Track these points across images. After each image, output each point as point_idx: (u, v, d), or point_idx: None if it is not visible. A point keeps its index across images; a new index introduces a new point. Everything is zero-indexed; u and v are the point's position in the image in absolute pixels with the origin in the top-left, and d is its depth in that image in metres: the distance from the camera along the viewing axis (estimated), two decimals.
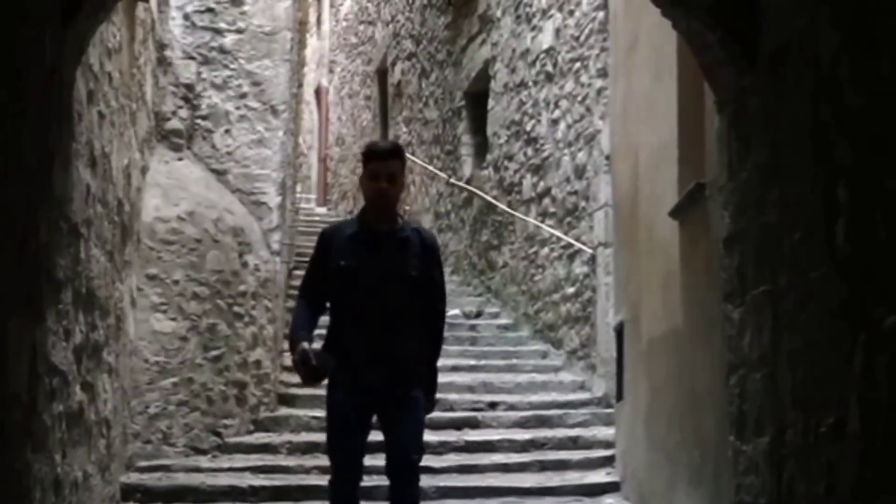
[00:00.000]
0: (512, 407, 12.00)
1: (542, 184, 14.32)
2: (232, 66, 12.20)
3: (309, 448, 10.83)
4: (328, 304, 6.25)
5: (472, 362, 13.56)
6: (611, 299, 11.30)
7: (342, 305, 6.16)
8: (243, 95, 12.20)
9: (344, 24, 27.80)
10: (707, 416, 6.67)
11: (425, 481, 7.61)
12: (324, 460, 10.30)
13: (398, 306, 6.11)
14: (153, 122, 11.16)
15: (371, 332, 6.06)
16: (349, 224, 6.44)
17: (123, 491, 9.25)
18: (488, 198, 15.96)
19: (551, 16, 14.04)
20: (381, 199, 6.16)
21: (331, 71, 29.20)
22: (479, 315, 15.48)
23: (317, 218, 23.21)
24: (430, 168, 18.75)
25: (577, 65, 13.13)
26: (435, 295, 6.32)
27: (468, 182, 17.15)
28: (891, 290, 3.67)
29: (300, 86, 18.22)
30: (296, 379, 12.38)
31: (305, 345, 5.93)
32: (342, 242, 6.16)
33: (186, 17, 12.03)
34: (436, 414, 8.45)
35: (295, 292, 15.68)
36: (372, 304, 6.07)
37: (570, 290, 13.23)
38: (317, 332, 6.25)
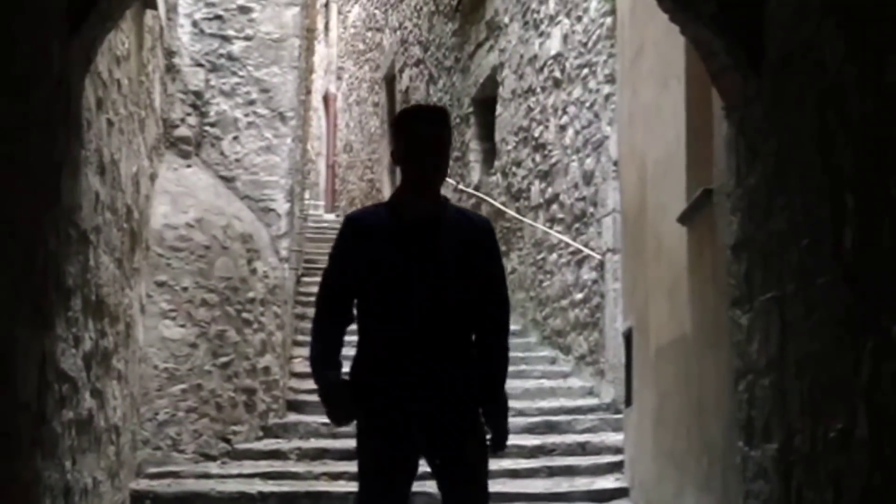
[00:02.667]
0: (520, 413, 11.99)
1: (550, 190, 14.32)
2: (240, 73, 12.22)
3: (318, 454, 10.84)
4: (355, 313, 4.94)
5: None
6: (619, 305, 11.30)
7: (373, 316, 4.82)
8: (252, 102, 12.22)
9: (352, 30, 27.83)
10: (715, 423, 6.67)
11: (432, 486, 7.60)
12: (333, 466, 10.37)
13: (446, 315, 4.76)
14: (162, 130, 11.18)
15: (412, 351, 4.71)
16: (381, 210, 4.99)
17: (133, 498, 9.26)
18: (496, 204, 15.97)
19: (559, 22, 14.05)
20: (427, 178, 4.82)
21: (339, 78, 29.23)
22: None
23: (325, 224, 23.22)
24: None
25: (585, 71, 13.14)
26: (493, 296, 4.89)
27: (476, 188, 17.16)
28: None
29: (308, 92, 18.24)
30: (305, 385, 12.44)
31: (332, 375, 4.82)
32: (374, 233, 4.81)
33: (195, 24, 12.06)
34: None
35: (304, 299, 15.91)
36: (412, 314, 4.72)
37: (579, 295, 13.23)
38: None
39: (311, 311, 15.22)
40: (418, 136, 4.80)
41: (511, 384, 13.03)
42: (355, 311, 4.90)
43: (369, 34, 25.58)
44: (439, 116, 4.95)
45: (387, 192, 22.50)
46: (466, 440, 4.77)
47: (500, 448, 4.91)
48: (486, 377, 4.83)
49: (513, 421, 12.22)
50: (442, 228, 4.82)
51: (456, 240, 4.81)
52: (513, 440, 11.26)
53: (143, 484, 9.72)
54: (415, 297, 4.72)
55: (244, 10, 12.29)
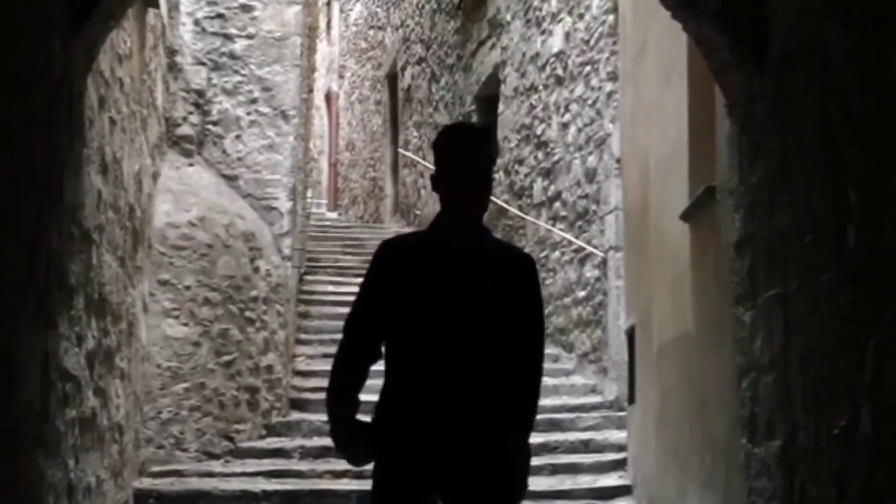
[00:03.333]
0: None
1: (552, 187, 14.32)
2: (242, 71, 12.22)
3: (321, 453, 10.84)
4: (383, 349, 4.45)
5: None
6: (622, 303, 11.30)
7: (403, 355, 4.33)
8: (254, 101, 12.22)
9: (353, 29, 27.83)
10: (718, 420, 6.67)
11: None
12: (336, 464, 10.37)
13: (487, 359, 4.27)
14: (164, 128, 11.18)
15: (444, 397, 4.23)
16: (419, 239, 4.56)
17: (136, 496, 9.27)
18: (499, 201, 15.96)
19: (561, 20, 14.04)
20: (468, 208, 4.38)
21: (341, 76, 29.23)
22: None
23: (328, 223, 23.23)
24: None
25: (588, 68, 13.13)
26: (528, 342, 4.39)
27: None
28: None
29: (310, 91, 18.24)
30: (308, 383, 12.46)
31: (345, 415, 4.35)
32: (414, 261, 4.36)
33: (197, 22, 12.06)
34: None
35: (307, 297, 15.91)
36: (444, 359, 4.24)
37: (582, 293, 13.22)
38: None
39: (314, 310, 15.27)
40: (455, 161, 4.34)
41: None
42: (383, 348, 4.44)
43: (371, 32, 25.58)
44: (479, 139, 4.43)
45: (389, 191, 22.52)
46: (493, 490, 4.26)
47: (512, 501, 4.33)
48: (510, 430, 4.31)
49: None
50: (489, 264, 4.35)
51: (499, 276, 4.32)
52: None
53: (146, 482, 9.72)
54: (450, 338, 4.24)
55: (246, 8, 12.29)
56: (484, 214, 4.42)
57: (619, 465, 10.36)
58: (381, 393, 4.36)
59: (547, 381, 13.12)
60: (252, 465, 10.66)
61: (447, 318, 4.24)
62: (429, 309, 4.26)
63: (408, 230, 18.52)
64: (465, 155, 4.34)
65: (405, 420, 4.27)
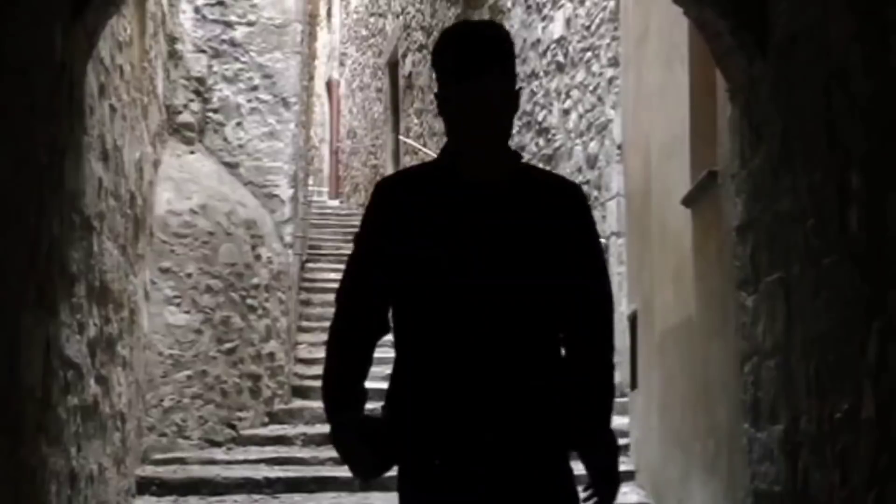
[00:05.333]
0: None
1: None
2: (243, 58, 12.21)
3: (323, 439, 10.81)
4: (391, 326, 3.44)
5: None
6: (624, 289, 11.29)
7: (420, 323, 3.29)
8: (254, 88, 12.21)
9: (354, 16, 27.78)
10: (721, 405, 6.67)
11: None
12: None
13: (525, 317, 3.26)
14: (164, 116, 11.17)
15: (477, 370, 3.21)
16: (427, 171, 3.48)
17: (139, 484, 9.27)
18: None
19: (561, 6, 14.01)
20: (485, 131, 3.27)
21: (342, 64, 29.19)
22: None
23: (329, 210, 23.22)
24: None
25: (589, 54, 13.11)
26: (588, 290, 3.39)
27: None
28: None
29: (311, 78, 18.24)
30: (310, 371, 12.45)
31: (348, 414, 3.38)
32: (421, 202, 3.31)
33: (197, 10, 12.04)
34: None
35: (308, 285, 15.91)
36: (476, 316, 3.21)
37: None
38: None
39: (315, 297, 15.29)
40: (462, 74, 3.23)
41: None
42: (391, 319, 3.43)
43: (372, 20, 25.54)
44: (491, 40, 3.30)
45: None
46: (552, 498, 3.42)
47: (607, 493, 3.54)
48: (582, 407, 3.37)
49: None
50: (516, 194, 3.30)
51: (537, 210, 3.29)
52: None
53: (148, 470, 9.73)
54: (481, 293, 3.21)
55: None
56: (508, 138, 3.35)
57: (621, 451, 10.35)
58: (393, 379, 3.36)
59: None
60: (254, 452, 10.67)
61: (476, 272, 3.20)
62: (451, 261, 3.21)
63: None
64: (475, 64, 3.21)
65: (431, 414, 3.24)
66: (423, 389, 3.28)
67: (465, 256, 3.22)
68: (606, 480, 3.54)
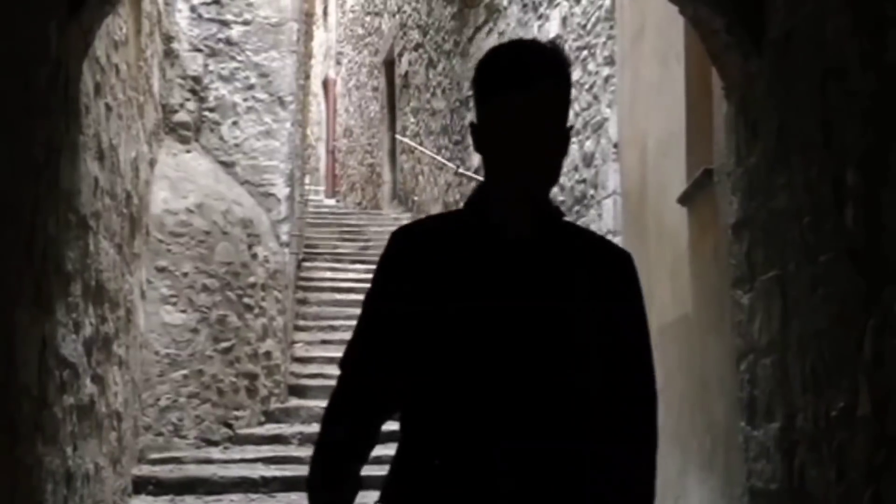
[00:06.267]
0: None
1: None
2: (239, 57, 12.21)
3: None
4: (399, 401, 2.83)
5: None
6: None
7: (435, 413, 2.72)
8: (251, 87, 12.21)
9: (350, 15, 27.78)
10: (718, 402, 6.67)
11: None
12: None
13: (560, 416, 2.72)
14: (161, 115, 11.16)
15: (502, 474, 2.66)
16: (453, 226, 2.85)
17: (135, 483, 9.27)
18: None
19: (557, 4, 14.01)
20: (528, 179, 2.71)
21: (338, 62, 29.18)
22: None
23: (325, 209, 23.21)
24: (439, 158, 18.74)
25: (584, 53, 13.10)
26: (631, 384, 2.95)
27: (476, 172, 17.12)
28: None
29: (307, 77, 18.22)
30: (306, 370, 12.46)
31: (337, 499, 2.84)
32: (442, 269, 2.74)
33: (193, 9, 12.04)
34: None
35: (305, 284, 15.91)
36: (505, 410, 2.67)
37: None
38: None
39: (312, 296, 15.32)
40: (507, 105, 2.66)
41: None
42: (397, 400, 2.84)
43: (368, 18, 25.54)
44: (547, 66, 2.73)
45: (387, 177, 22.47)
46: None
47: None
48: (621, 489, 2.95)
49: None
50: (561, 257, 2.77)
51: (582, 282, 2.76)
52: None
53: (145, 469, 9.72)
54: (513, 378, 2.68)
55: None
56: (553, 187, 2.78)
57: None
58: (396, 468, 2.79)
59: None
60: (251, 451, 10.67)
61: (510, 353, 2.67)
62: (477, 331, 2.68)
63: (406, 217, 18.50)
64: (525, 72, 2.67)
65: (442, 494, 2.68)
66: (436, 488, 2.67)
67: (498, 334, 2.68)
68: None
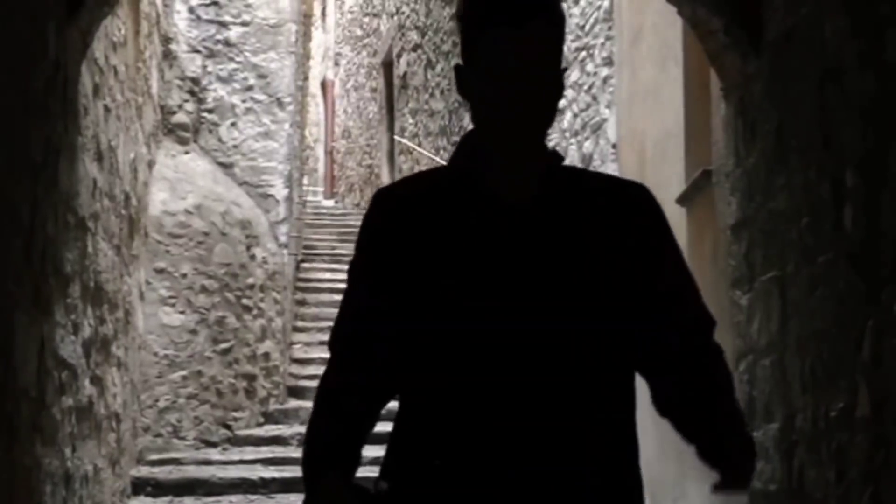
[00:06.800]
0: None
1: None
2: (237, 58, 12.21)
3: None
4: (396, 387, 2.53)
5: None
6: None
7: (439, 390, 2.40)
8: (249, 88, 12.21)
9: (349, 16, 27.78)
10: None
11: None
12: None
13: (588, 375, 2.37)
14: (159, 116, 11.16)
15: (516, 454, 2.32)
16: (439, 185, 2.52)
17: (134, 484, 9.26)
18: None
19: None
20: (520, 107, 2.36)
21: (336, 64, 29.18)
22: None
23: (324, 210, 23.22)
24: (437, 159, 18.75)
25: (583, 53, 13.10)
26: (681, 318, 2.57)
27: None
28: None
29: (306, 78, 18.22)
30: (305, 371, 12.45)
31: (335, 481, 2.47)
32: (433, 231, 2.44)
33: (191, 10, 12.04)
34: None
35: (303, 285, 15.91)
36: (520, 381, 2.33)
37: None
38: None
39: (311, 297, 15.33)
40: (496, 46, 2.36)
41: None
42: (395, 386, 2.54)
43: (366, 19, 25.53)
44: (534, 6, 2.38)
45: (386, 178, 22.47)
46: None
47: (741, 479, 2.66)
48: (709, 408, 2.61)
49: None
50: (563, 208, 2.43)
51: (593, 227, 2.42)
52: None
53: (144, 471, 9.72)
54: (525, 342, 2.33)
55: None
56: (547, 130, 2.46)
57: None
58: (395, 447, 2.49)
59: None
60: (250, 452, 10.66)
61: (512, 313, 2.34)
62: (477, 297, 2.35)
63: None
64: (517, 28, 2.35)
65: (451, 485, 2.35)
66: (441, 467, 2.36)
67: (503, 302, 2.34)
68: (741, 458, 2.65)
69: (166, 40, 11.65)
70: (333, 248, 17.18)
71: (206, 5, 12.12)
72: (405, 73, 21.47)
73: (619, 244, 2.42)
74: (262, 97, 12.25)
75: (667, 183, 7.97)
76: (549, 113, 2.44)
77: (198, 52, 12.03)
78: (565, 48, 11.92)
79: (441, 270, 2.38)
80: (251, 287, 11.39)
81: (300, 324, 13.96)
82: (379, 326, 2.46)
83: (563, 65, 2.47)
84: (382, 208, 2.52)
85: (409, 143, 20.25)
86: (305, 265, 15.73)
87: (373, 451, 2.65)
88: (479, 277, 2.36)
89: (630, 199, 2.51)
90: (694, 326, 2.58)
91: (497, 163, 2.43)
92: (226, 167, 11.96)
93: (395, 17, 22.44)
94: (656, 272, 2.47)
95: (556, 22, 2.47)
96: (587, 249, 2.39)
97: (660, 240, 2.52)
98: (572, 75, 13.40)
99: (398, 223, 2.46)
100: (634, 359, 2.47)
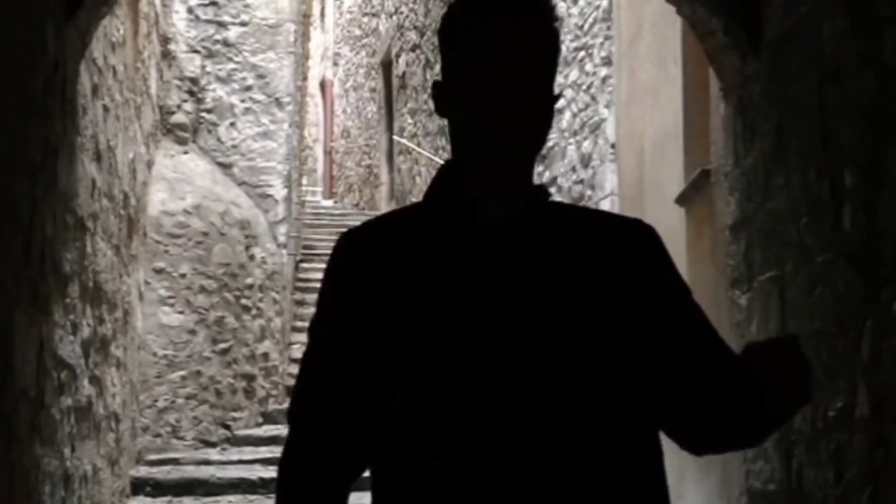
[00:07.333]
0: None
1: (547, 173, 14.30)
2: (236, 58, 12.21)
3: None
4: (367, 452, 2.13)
5: None
6: None
7: (419, 460, 1.99)
8: (248, 88, 12.21)
9: (348, 16, 27.78)
10: None
11: None
12: None
13: (584, 432, 1.97)
14: (158, 116, 11.16)
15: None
16: (413, 222, 2.16)
17: (133, 484, 9.26)
18: None
19: (554, 5, 14.03)
20: (506, 150, 2.05)
21: (335, 64, 29.18)
22: None
23: (323, 210, 23.22)
24: (436, 159, 18.76)
25: (582, 53, 13.10)
26: (692, 337, 2.14)
27: None
28: None
29: (305, 78, 18.21)
30: None
31: None
32: (400, 268, 2.08)
33: (190, 10, 12.04)
34: None
35: (302, 285, 15.90)
36: (516, 446, 1.94)
37: None
38: None
39: (310, 297, 15.40)
40: (484, 19, 2.06)
41: None
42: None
43: (365, 19, 25.54)
44: (526, 9, 2.10)
45: (385, 178, 22.48)
46: None
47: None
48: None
49: None
50: (556, 241, 2.08)
51: (592, 267, 2.06)
52: None
53: (143, 471, 9.73)
54: (521, 401, 1.96)
55: None
56: (535, 158, 2.15)
57: None
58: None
59: None
60: (249, 452, 10.67)
61: (499, 373, 1.97)
62: (460, 343, 1.99)
63: None
64: (503, 10, 2.07)
65: None
66: None
67: (487, 355, 1.97)
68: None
69: (165, 40, 11.65)
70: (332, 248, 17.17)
71: (205, 5, 12.12)
72: (404, 73, 21.47)
73: (625, 281, 2.06)
74: (260, 97, 12.26)
75: (666, 183, 7.97)
76: (542, 135, 2.10)
77: (196, 52, 12.04)
78: (563, 48, 11.89)
79: (417, 306, 2.02)
80: (250, 287, 11.39)
81: (299, 324, 13.95)
82: (347, 389, 2.10)
83: (556, 90, 2.17)
84: (345, 252, 2.17)
85: (408, 143, 20.25)
86: (304, 265, 15.72)
87: None
88: (459, 306, 2.00)
89: (636, 233, 2.15)
90: (700, 343, 2.14)
91: (479, 189, 2.07)
92: (225, 167, 11.96)
93: (394, 17, 22.44)
94: (671, 315, 2.12)
95: (550, 30, 2.15)
96: (592, 285, 2.03)
97: (669, 273, 2.17)
98: (571, 75, 13.40)
99: (362, 265, 2.11)
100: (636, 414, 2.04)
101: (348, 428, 2.11)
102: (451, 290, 2.01)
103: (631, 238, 2.13)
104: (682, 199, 7.44)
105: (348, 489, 2.16)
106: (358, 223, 2.29)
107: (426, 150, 19.33)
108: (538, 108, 2.07)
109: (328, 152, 28.71)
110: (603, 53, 12.35)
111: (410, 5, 21.10)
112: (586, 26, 12.95)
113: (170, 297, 10.53)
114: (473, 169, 2.09)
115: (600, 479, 1.96)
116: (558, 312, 2.00)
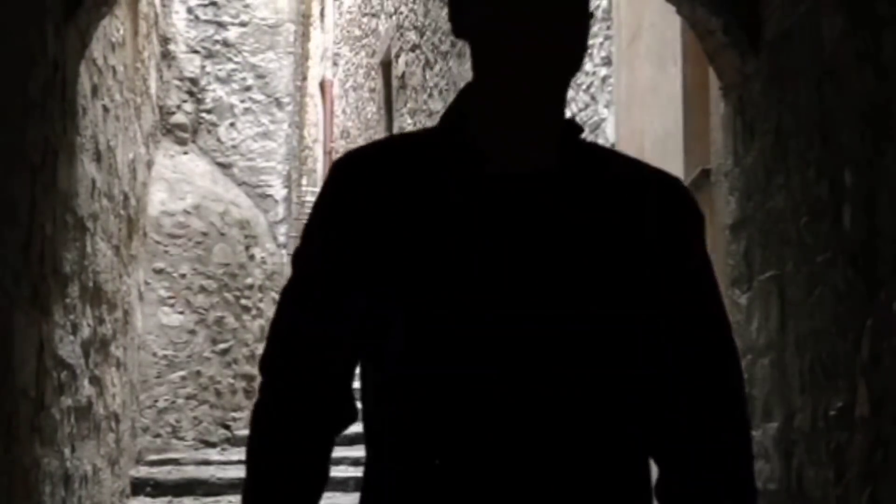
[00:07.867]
0: None
1: None
2: (236, 59, 12.22)
3: None
4: (358, 402, 1.88)
5: None
6: None
7: (414, 413, 1.76)
8: (248, 88, 12.22)
9: (347, 16, 27.77)
10: None
11: None
12: (333, 452, 10.37)
13: (591, 399, 1.76)
14: (158, 117, 11.16)
15: (505, 487, 1.72)
16: (415, 149, 1.87)
17: (133, 485, 9.26)
18: None
19: None
20: (529, 83, 1.74)
21: (335, 64, 29.17)
22: None
23: None
24: None
25: None
26: (702, 353, 1.85)
27: None
28: None
29: (304, 79, 18.23)
30: None
31: None
32: (401, 207, 1.79)
33: (190, 10, 12.04)
34: None
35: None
36: (509, 399, 1.72)
37: None
38: None
39: None
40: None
41: None
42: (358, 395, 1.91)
43: (365, 20, 25.53)
44: None
45: None
46: None
47: None
48: None
49: None
50: (580, 195, 1.81)
51: (615, 222, 1.81)
52: None
53: (143, 471, 9.73)
54: (518, 361, 1.75)
55: None
56: (568, 84, 1.86)
57: None
58: (366, 493, 1.91)
59: None
60: None
61: (505, 317, 1.75)
62: (464, 295, 1.75)
63: None
64: None
65: None
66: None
67: (495, 299, 1.75)
68: None
69: (165, 41, 11.65)
70: None
71: (205, 6, 12.12)
72: (403, 74, 21.47)
73: (649, 242, 1.81)
74: (260, 97, 12.26)
75: None
76: (574, 54, 1.81)
77: (196, 52, 12.04)
78: None
79: (419, 255, 1.77)
80: (250, 287, 11.39)
81: None
82: (335, 330, 1.84)
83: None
84: (342, 178, 1.88)
85: None
86: None
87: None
88: (469, 264, 1.76)
89: (666, 190, 1.87)
90: (719, 376, 1.90)
91: (501, 121, 1.80)
92: (224, 167, 11.97)
93: (394, 18, 22.43)
94: (683, 284, 1.84)
95: None
96: (613, 241, 1.79)
97: (691, 246, 1.87)
98: None
99: (362, 195, 1.82)
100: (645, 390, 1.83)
101: (339, 371, 1.87)
102: (463, 243, 1.76)
103: (668, 198, 1.86)
104: None
105: (332, 442, 1.92)
106: None
107: None
108: (573, 21, 1.77)
109: (328, 152, 28.70)
110: (602, 53, 12.35)
111: (410, 5, 21.10)
112: None
113: (170, 298, 10.53)
114: (497, 92, 1.80)
115: (601, 447, 1.79)
116: (567, 289, 1.76)
